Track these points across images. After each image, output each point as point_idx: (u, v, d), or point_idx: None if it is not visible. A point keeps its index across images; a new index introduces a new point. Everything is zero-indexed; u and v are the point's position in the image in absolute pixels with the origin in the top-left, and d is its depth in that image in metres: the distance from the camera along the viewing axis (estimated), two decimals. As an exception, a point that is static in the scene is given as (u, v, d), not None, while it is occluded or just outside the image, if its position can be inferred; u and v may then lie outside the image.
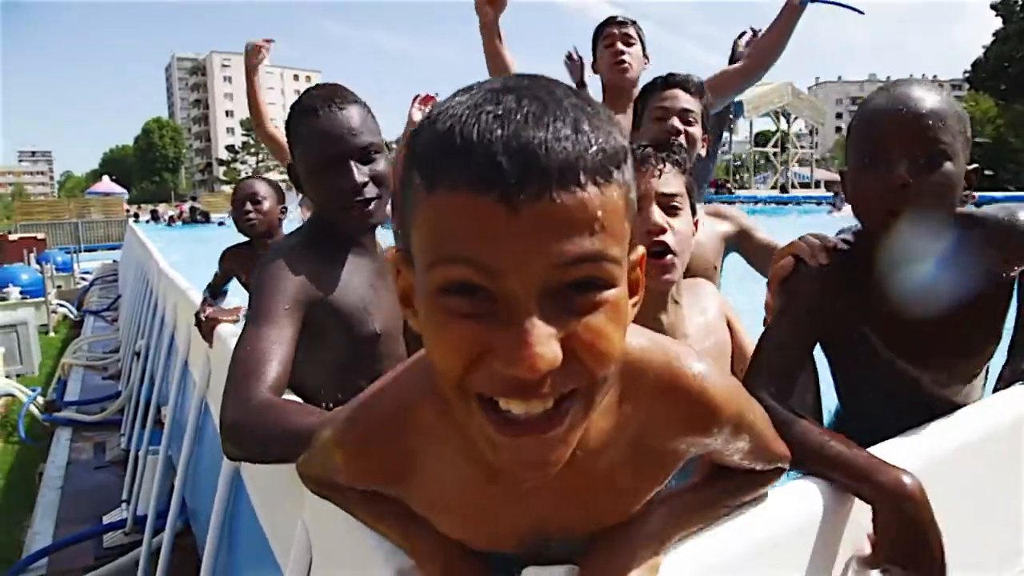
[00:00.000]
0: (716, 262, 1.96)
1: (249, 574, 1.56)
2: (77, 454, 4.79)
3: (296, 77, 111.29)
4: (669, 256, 1.29)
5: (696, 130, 1.95)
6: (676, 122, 1.92)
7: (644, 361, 0.69)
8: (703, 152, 2.01)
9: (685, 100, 1.95)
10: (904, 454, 0.96)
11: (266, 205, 2.73)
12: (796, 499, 0.90)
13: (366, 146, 1.43)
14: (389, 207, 1.55)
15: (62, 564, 3.26)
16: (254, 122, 3.17)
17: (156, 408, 3.79)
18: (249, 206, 2.70)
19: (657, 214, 1.29)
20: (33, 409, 5.55)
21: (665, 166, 1.33)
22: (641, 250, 0.62)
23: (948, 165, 1.07)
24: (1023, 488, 1.21)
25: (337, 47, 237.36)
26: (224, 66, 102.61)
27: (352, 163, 1.41)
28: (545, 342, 0.50)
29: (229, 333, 1.95)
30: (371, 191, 1.44)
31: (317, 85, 1.54)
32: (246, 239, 2.82)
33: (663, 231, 1.28)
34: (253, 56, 3.12)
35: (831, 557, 0.89)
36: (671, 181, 1.33)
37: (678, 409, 0.69)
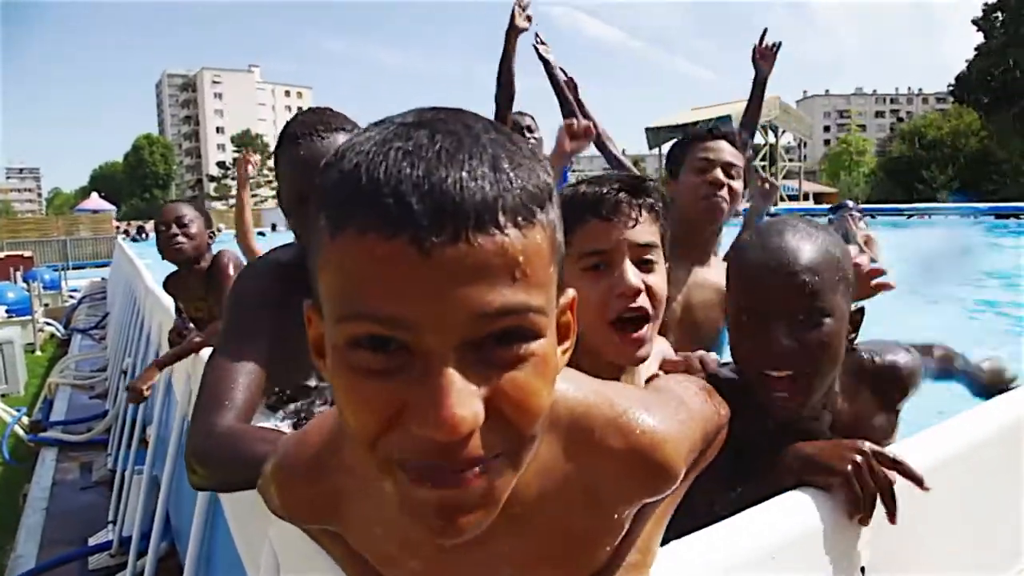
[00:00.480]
0: (722, 323, 1.77)
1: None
2: (63, 475, 4.73)
3: (287, 93, 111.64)
4: (646, 327, 1.08)
5: (738, 184, 1.91)
6: (719, 174, 1.87)
7: (589, 418, 0.64)
8: (739, 207, 1.99)
9: (730, 153, 1.90)
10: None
11: (193, 228, 2.57)
12: (794, 510, 0.91)
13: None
14: None
15: (47, 587, 3.22)
16: (237, 232, 3.09)
17: (142, 427, 3.76)
18: (175, 229, 2.53)
19: (631, 272, 1.06)
20: (18, 429, 5.49)
21: (640, 213, 1.10)
22: (571, 293, 0.58)
23: (828, 322, 1.03)
24: (1020, 490, 1.23)
25: (330, 62, 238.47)
26: (215, 82, 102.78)
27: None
28: (465, 400, 0.46)
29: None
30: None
31: (308, 109, 1.44)
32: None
33: (638, 292, 1.06)
34: (241, 168, 3.06)
35: (828, 565, 0.91)
36: (646, 230, 1.10)
37: (629, 469, 0.64)
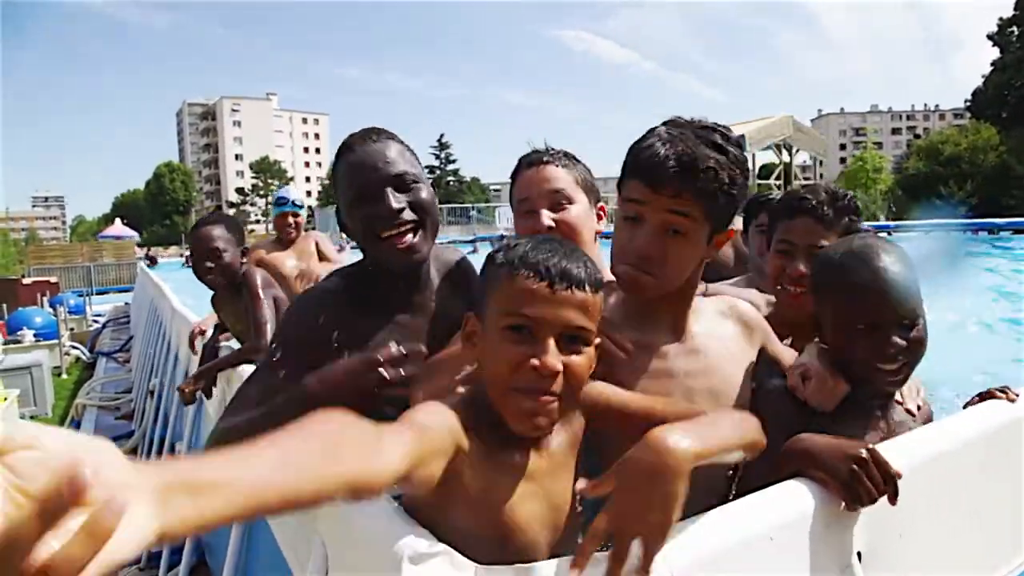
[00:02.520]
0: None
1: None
2: (91, 494, 4.82)
3: (304, 120, 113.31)
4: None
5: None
6: (802, 266, 1.65)
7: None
8: None
9: (819, 234, 1.66)
10: (893, 456, 1.02)
11: (226, 257, 2.59)
12: (793, 495, 0.97)
13: (401, 174, 1.41)
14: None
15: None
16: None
17: (171, 446, 3.83)
18: (209, 263, 2.57)
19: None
20: (47, 450, 5.60)
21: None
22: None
23: (921, 323, 1.28)
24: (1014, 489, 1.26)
25: (346, 90, 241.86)
26: (234, 111, 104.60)
27: (388, 189, 1.39)
28: (557, 360, 0.98)
29: (246, 370, 2.01)
30: (409, 215, 1.39)
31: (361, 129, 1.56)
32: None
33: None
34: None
35: (825, 548, 0.96)
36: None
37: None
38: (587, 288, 1.00)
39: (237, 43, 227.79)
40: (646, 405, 1.09)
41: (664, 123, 1.26)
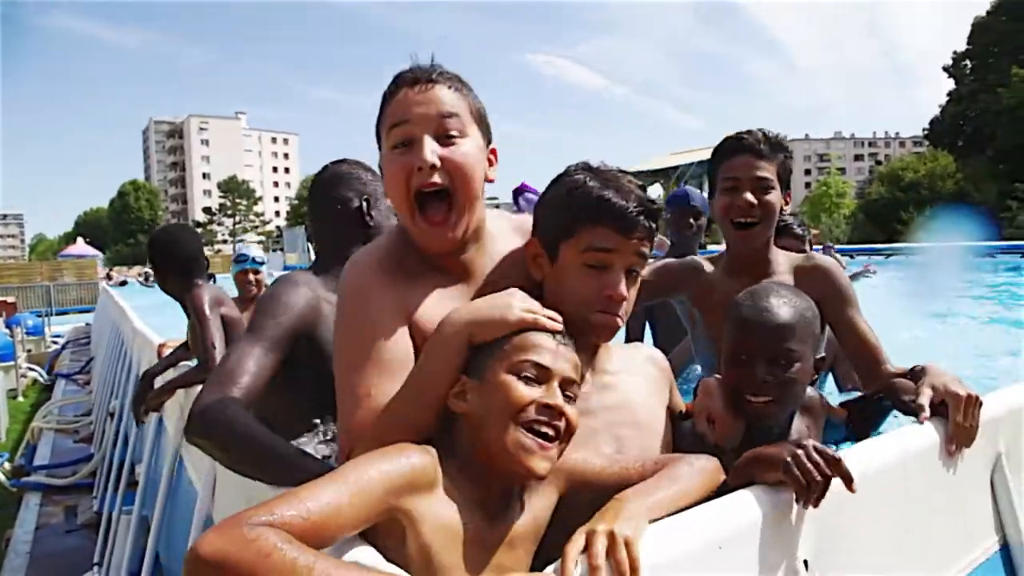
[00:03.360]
0: None
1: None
2: (47, 518, 4.70)
3: (274, 140, 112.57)
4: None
5: (773, 197, 1.82)
6: (749, 195, 1.80)
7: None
8: (787, 210, 1.93)
9: (759, 167, 1.81)
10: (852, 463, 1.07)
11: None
12: (740, 505, 1.01)
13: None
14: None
15: (29, 631, 3.18)
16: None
17: (130, 469, 3.75)
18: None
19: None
20: (0, 475, 5.44)
21: None
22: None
23: (797, 365, 1.38)
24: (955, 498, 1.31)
25: (316, 110, 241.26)
26: (202, 129, 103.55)
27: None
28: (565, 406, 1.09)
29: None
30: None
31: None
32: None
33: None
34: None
35: (773, 555, 1.00)
36: None
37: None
38: (574, 351, 1.12)
39: (206, 61, 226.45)
40: (618, 471, 1.15)
41: (576, 172, 1.30)
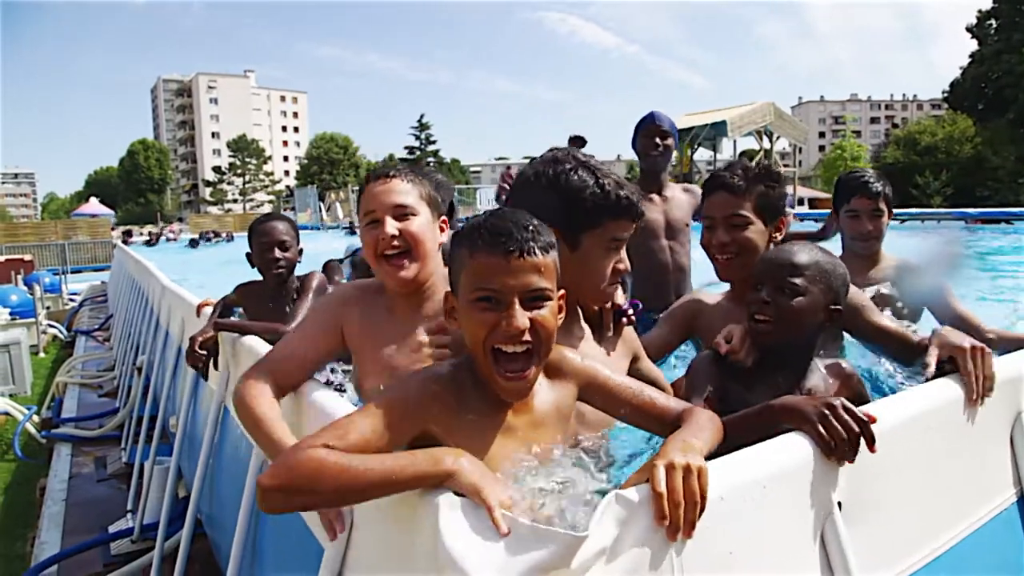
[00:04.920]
0: None
1: (281, 556, 1.68)
2: (78, 468, 4.85)
3: (283, 98, 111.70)
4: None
5: (750, 232, 1.91)
6: (722, 234, 1.93)
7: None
8: (778, 237, 1.98)
9: (733, 204, 1.92)
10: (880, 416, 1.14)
11: (291, 252, 2.81)
12: (781, 449, 1.09)
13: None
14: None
15: (71, 571, 3.33)
16: None
17: (162, 421, 3.87)
18: (278, 253, 2.76)
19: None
20: (30, 427, 5.59)
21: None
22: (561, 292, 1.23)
23: (800, 299, 1.53)
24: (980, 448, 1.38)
25: (324, 68, 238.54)
26: (210, 87, 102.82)
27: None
28: (523, 319, 1.13)
29: (255, 342, 2.07)
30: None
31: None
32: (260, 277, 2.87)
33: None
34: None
35: (810, 496, 1.08)
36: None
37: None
38: (538, 253, 1.16)
39: (214, 19, 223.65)
40: (633, 393, 1.29)
41: (580, 170, 1.54)
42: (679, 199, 3.42)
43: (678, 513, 0.89)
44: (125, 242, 19.37)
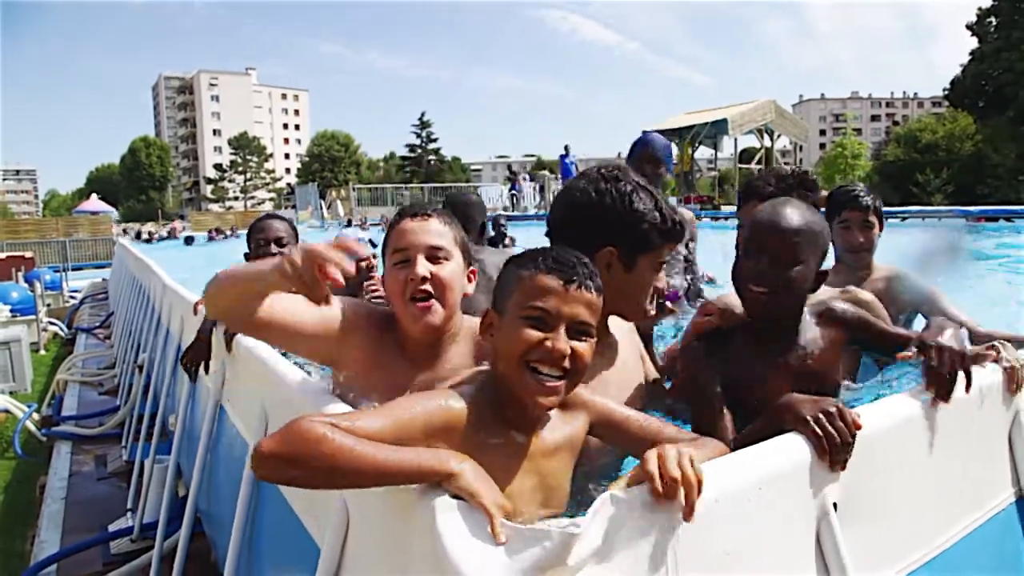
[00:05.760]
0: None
1: (277, 556, 1.68)
2: (78, 466, 4.85)
3: (284, 96, 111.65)
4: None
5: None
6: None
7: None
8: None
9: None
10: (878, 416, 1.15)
11: (288, 249, 2.78)
12: (778, 451, 1.10)
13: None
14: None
15: (70, 571, 3.33)
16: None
17: (162, 419, 3.87)
18: (275, 249, 2.73)
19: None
20: (30, 424, 5.60)
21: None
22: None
23: (798, 267, 1.50)
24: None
25: (326, 66, 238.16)
26: (212, 85, 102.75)
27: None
28: (566, 345, 1.18)
29: (250, 341, 2.06)
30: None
31: None
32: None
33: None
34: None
35: (807, 497, 1.09)
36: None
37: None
38: (593, 291, 1.22)
39: (215, 17, 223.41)
40: (640, 426, 1.33)
41: (640, 191, 1.59)
42: None
43: (675, 488, 0.91)
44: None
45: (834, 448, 1.10)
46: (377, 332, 1.61)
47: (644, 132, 3.41)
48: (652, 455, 0.96)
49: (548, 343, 1.17)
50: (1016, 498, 1.49)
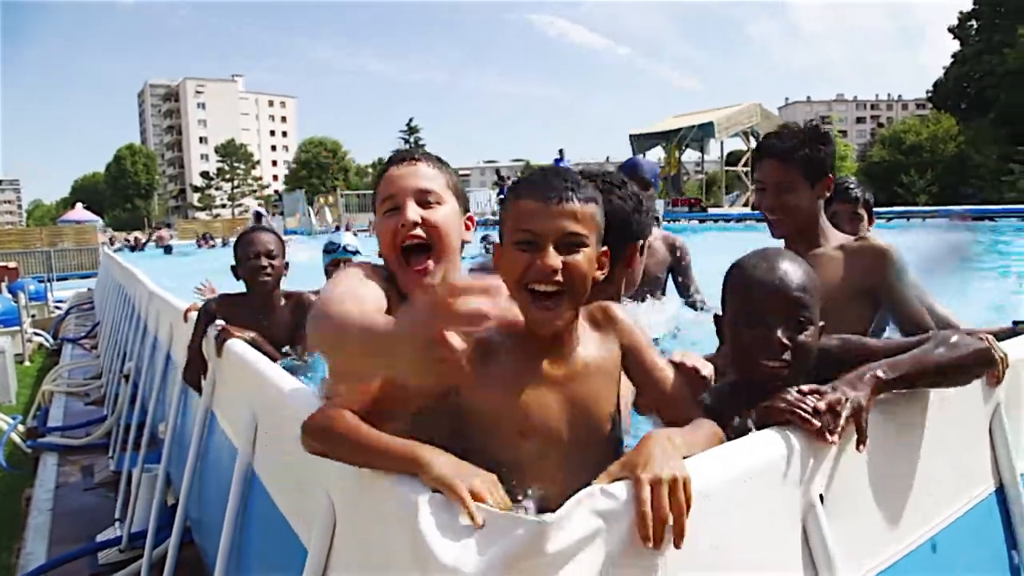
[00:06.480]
0: None
1: (266, 559, 1.68)
2: (65, 477, 4.81)
3: (271, 103, 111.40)
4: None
5: (796, 199, 2.08)
6: (770, 199, 2.09)
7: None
8: None
9: (776, 170, 2.09)
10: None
11: (278, 260, 2.80)
12: (766, 443, 1.12)
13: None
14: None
15: (58, 582, 3.30)
16: None
17: (150, 428, 3.85)
18: (265, 261, 2.75)
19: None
20: (15, 437, 5.54)
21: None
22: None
23: (811, 328, 1.34)
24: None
25: (314, 72, 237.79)
26: (198, 92, 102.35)
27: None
28: (556, 260, 1.16)
29: (239, 346, 2.07)
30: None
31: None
32: (242, 290, 2.87)
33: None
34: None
35: (793, 490, 1.10)
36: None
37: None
38: (576, 200, 1.21)
39: (201, 22, 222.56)
40: (664, 370, 1.31)
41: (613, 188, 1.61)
42: (657, 249, 3.39)
43: (663, 529, 0.90)
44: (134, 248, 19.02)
45: (817, 415, 1.12)
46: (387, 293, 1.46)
47: (634, 154, 3.48)
48: (646, 490, 0.92)
49: (537, 262, 1.18)
50: (996, 488, 1.52)
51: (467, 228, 1.60)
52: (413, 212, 1.47)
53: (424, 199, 1.50)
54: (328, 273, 3.64)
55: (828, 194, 2.10)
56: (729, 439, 1.15)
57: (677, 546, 0.90)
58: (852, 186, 2.70)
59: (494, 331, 1.17)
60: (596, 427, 1.24)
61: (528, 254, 1.19)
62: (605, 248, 1.27)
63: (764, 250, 1.45)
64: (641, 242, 1.68)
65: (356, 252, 3.56)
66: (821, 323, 1.39)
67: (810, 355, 1.34)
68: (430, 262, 1.47)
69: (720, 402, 1.37)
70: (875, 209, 2.83)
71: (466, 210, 1.61)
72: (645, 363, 1.31)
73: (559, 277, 1.18)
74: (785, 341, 1.30)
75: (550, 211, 1.19)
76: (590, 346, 1.27)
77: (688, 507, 0.91)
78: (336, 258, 3.58)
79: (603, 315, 1.32)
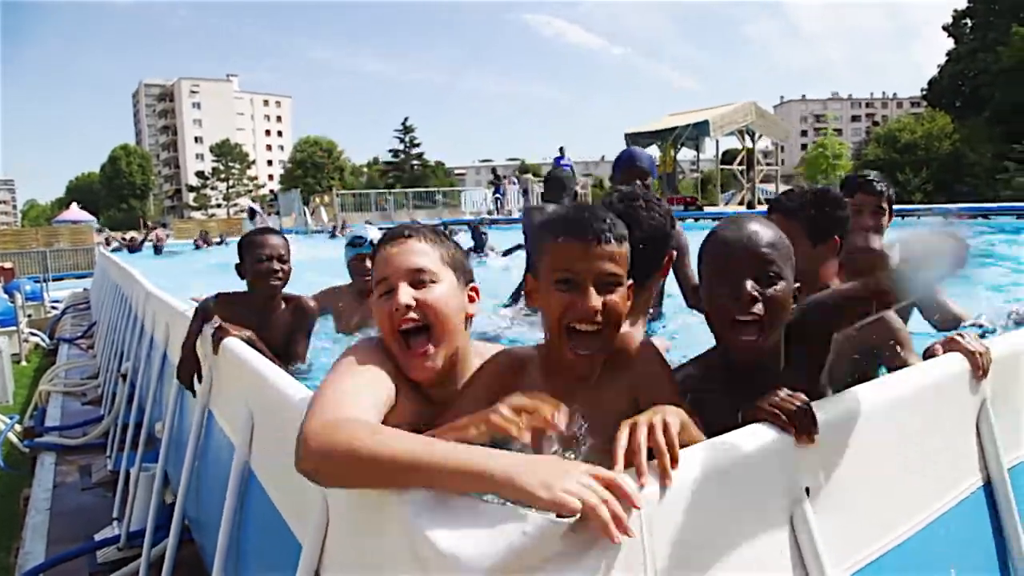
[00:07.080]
0: None
1: (263, 556, 1.70)
2: (63, 477, 4.81)
3: (266, 102, 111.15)
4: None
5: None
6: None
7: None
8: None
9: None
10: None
11: (287, 266, 2.84)
12: (752, 436, 1.13)
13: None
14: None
15: (57, 581, 3.31)
16: None
17: (148, 427, 3.86)
18: (276, 265, 2.77)
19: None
20: (12, 437, 5.54)
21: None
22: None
23: (781, 283, 1.37)
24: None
25: (309, 72, 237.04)
26: (193, 92, 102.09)
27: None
28: (596, 301, 1.27)
29: (236, 344, 2.08)
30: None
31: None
32: (246, 289, 2.89)
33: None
34: None
35: (779, 482, 1.13)
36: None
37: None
38: (613, 241, 1.30)
39: (196, 22, 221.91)
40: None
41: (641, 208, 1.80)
42: None
43: (639, 460, 0.96)
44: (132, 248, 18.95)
45: (792, 417, 1.14)
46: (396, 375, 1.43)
47: (627, 147, 3.51)
48: (622, 432, 1.02)
49: (579, 303, 1.27)
50: (983, 483, 1.54)
51: (471, 300, 1.55)
52: (405, 295, 1.43)
53: (418, 279, 1.46)
54: (351, 268, 3.62)
55: (836, 256, 2.09)
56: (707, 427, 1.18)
57: (663, 484, 0.95)
58: (876, 179, 2.77)
59: (536, 361, 1.38)
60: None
61: (568, 294, 1.28)
62: (630, 282, 1.36)
63: (737, 215, 1.53)
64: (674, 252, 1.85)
65: None
66: (796, 284, 1.41)
67: (781, 311, 1.36)
68: (430, 345, 1.44)
69: (696, 386, 1.44)
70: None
71: (468, 281, 1.55)
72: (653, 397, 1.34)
73: (599, 317, 1.28)
74: (755, 294, 1.33)
75: (590, 253, 1.28)
76: (608, 383, 1.38)
77: (671, 446, 0.98)
78: (361, 252, 3.50)
79: (623, 352, 1.41)
